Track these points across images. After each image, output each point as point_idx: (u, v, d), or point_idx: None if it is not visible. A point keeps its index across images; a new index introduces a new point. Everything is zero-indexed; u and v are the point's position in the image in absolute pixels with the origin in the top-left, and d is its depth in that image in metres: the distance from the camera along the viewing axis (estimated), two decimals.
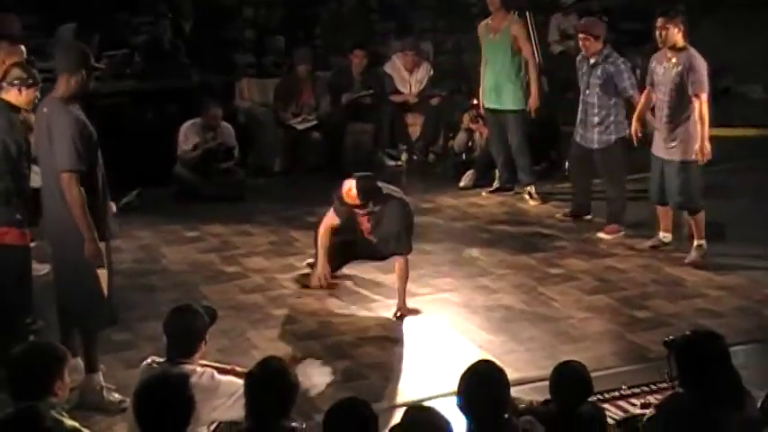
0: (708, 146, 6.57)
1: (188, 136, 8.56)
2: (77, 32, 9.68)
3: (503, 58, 8.15)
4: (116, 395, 4.89)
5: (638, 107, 7.02)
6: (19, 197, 4.89)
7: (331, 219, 6.21)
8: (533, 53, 8.20)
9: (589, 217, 7.74)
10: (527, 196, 8.30)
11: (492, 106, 8.33)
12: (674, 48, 6.58)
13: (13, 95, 4.93)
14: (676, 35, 6.56)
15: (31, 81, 4.94)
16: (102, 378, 4.92)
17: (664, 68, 6.65)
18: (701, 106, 6.51)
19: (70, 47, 5.31)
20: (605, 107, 7.33)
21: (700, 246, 6.77)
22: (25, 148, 4.96)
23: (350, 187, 5.90)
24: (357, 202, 5.92)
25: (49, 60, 8.66)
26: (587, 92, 7.41)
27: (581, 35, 7.46)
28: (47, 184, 4.84)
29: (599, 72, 7.32)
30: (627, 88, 7.31)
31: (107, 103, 9.04)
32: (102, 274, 4.85)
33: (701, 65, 6.57)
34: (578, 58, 7.62)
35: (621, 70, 7.31)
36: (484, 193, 8.55)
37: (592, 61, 7.37)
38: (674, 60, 6.59)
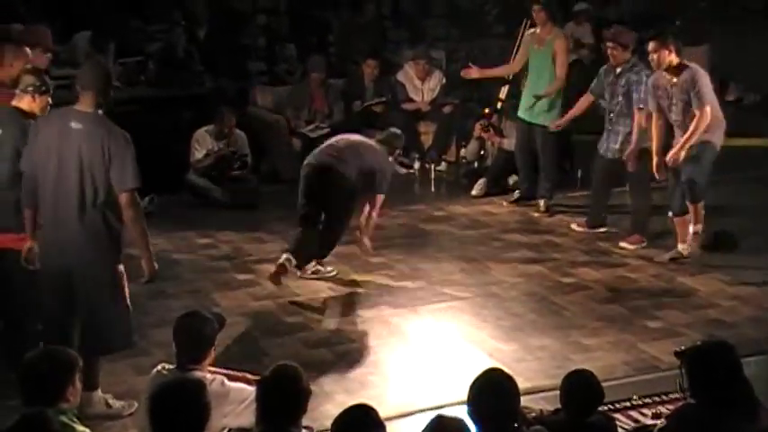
0: (682, 155, 6.60)
1: (201, 143, 8.60)
2: (92, 40, 9.74)
3: (542, 71, 8.12)
4: (118, 403, 4.90)
5: (654, 141, 6.89)
6: None
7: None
8: (565, 73, 8.09)
9: (604, 229, 7.71)
10: (539, 207, 8.29)
11: (524, 116, 8.30)
12: (669, 68, 6.64)
13: (27, 102, 4.96)
14: (668, 57, 6.62)
15: (44, 88, 4.97)
16: (100, 392, 4.89)
17: (667, 90, 6.70)
18: (699, 119, 6.55)
19: (99, 64, 5.20)
20: (628, 116, 7.30)
21: (696, 233, 6.86)
22: None
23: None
24: None
25: (63, 67, 8.75)
26: (613, 102, 7.40)
27: (609, 44, 7.44)
28: (71, 201, 4.64)
29: (623, 82, 7.32)
30: (639, 100, 7.25)
31: (121, 110, 9.06)
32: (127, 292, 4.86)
33: (703, 78, 6.60)
34: (604, 67, 7.61)
35: (642, 81, 7.22)
36: (505, 203, 8.51)
37: (618, 71, 7.34)
38: (674, 80, 6.64)
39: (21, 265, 4.88)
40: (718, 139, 6.78)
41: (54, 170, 4.65)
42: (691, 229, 6.86)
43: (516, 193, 8.57)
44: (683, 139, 6.64)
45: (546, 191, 8.31)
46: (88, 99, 4.71)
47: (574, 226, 7.84)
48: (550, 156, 8.25)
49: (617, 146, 7.40)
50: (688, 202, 6.82)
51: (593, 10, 12.02)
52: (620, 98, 7.33)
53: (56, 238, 4.69)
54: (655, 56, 6.66)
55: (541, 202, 8.29)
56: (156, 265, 4.87)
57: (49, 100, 5.00)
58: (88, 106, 4.70)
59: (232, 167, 8.59)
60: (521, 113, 8.34)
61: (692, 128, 6.58)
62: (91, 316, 4.73)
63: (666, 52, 6.61)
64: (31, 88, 4.96)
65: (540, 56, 8.14)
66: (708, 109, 6.57)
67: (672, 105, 6.72)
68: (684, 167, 6.72)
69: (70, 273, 4.69)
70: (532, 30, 8.25)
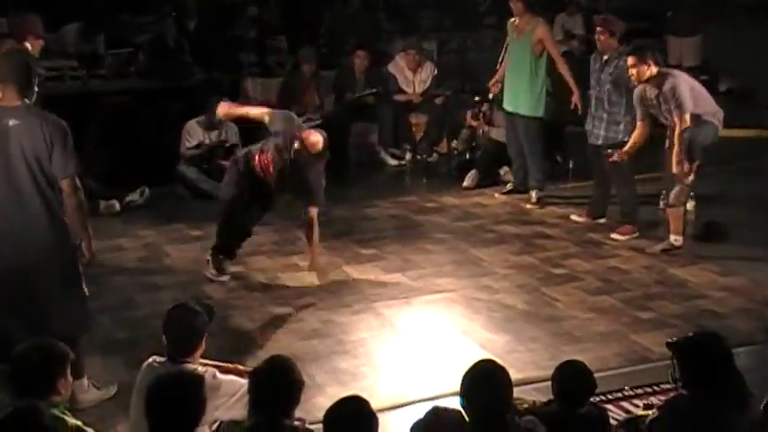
0: (686, 167, 6.67)
1: (192, 134, 8.57)
2: (81, 31, 9.71)
3: (522, 60, 8.08)
4: (102, 389, 4.93)
5: (633, 142, 6.99)
6: None
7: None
8: (560, 54, 8.11)
9: (603, 220, 7.69)
10: (531, 199, 8.26)
11: (508, 108, 8.28)
12: (650, 80, 6.74)
13: None
14: (647, 71, 6.72)
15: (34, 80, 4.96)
16: (86, 379, 4.90)
17: (653, 99, 6.80)
18: (681, 126, 6.64)
19: (15, 55, 5.03)
20: (615, 104, 7.34)
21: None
22: None
23: (318, 140, 6.22)
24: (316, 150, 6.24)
25: (52, 59, 8.72)
26: (598, 88, 7.43)
27: (598, 29, 7.47)
28: (25, 194, 4.59)
29: (611, 69, 7.33)
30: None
31: (111, 102, 9.08)
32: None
33: (680, 85, 6.68)
34: (593, 55, 7.63)
35: None
36: (497, 195, 8.50)
37: (605, 57, 7.38)
38: (656, 91, 6.76)
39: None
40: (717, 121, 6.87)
41: (1, 170, 4.58)
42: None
43: (509, 185, 8.57)
44: (675, 155, 6.69)
45: (536, 182, 8.29)
46: (12, 92, 4.61)
47: (574, 217, 7.83)
48: (535, 145, 8.22)
49: (601, 132, 7.43)
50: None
51: (585, 1, 12.02)
52: (609, 85, 7.34)
53: (13, 234, 4.62)
54: (634, 71, 6.77)
55: (533, 194, 8.28)
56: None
57: (36, 89, 4.99)
58: (15, 100, 4.61)
59: (219, 156, 8.55)
60: (504, 105, 8.32)
61: (676, 138, 6.67)
62: (57, 303, 4.71)
63: (645, 67, 6.73)
64: None
65: (520, 46, 8.11)
66: (687, 116, 6.65)
67: (665, 112, 6.82)
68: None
69: (33, 263, 4.64)
70: (513, 20, 8.22)
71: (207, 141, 8.56)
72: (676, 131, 6.70)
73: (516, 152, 8.39)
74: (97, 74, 9.38)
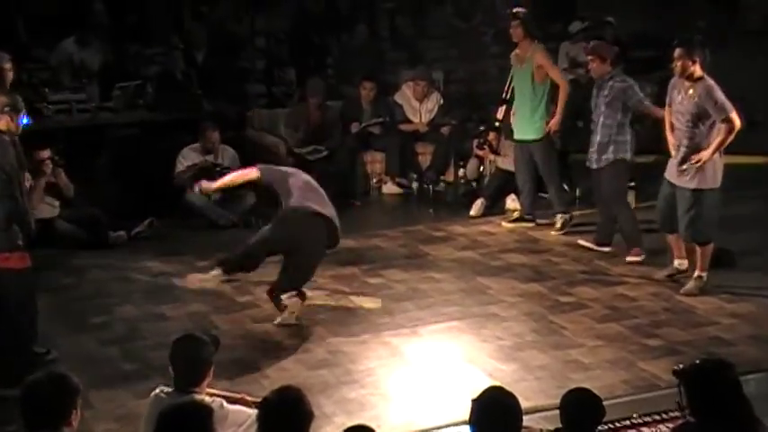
0: (717, 158, 6.58)
1: (186, 158, 8.57)
2: (77, 40, 9.82)
3: (526, 88, 8.15)
4: None
5: (668, 134, 6.89)
6: (19, 222, 4.92)
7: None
8: (562, 77, 8.20)
9: (608, 249, 7.70)
10: (556, 225, 8.25)
11: (518, 137, 8.33)
12: (690, 78, 6.60)
13: (4, 123, 5.05)
14: (692, 66, 6.57)
15: (19, 106, 5.10)
16: None
17: (681, 98, 6.67)
18: (730, 128, 6.50)
19: None
20: (610, 126, 7.38)
21: (699, 277, 6.76)
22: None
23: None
24: None
25: (61, 92, 8.82)
26: (596, 112, 7.49)
27: (589, 57, 7.55)
28: None
29: (606, 91, 7.40)
30: (642, 100, 7.38)
31: (120, 134, 9.14)
32: None
33: (719, 92, 6.56)
34: (596, 84, 7.68)
35: (630, 85, 7.37)
36: (504, 223, 8.49)
37: (599, 82, 7.46)
38: (690, 91, 6.60)
39: (13, 284, 4.89)
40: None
41: None
42: (695, 273, 6.79)
43: (515, 214, 8.58)
44: (714, 145, 6.51)
45: (558, 204, 8.28)
46: None
47: (581, 241, 7.83)
48: (550, 168, 8.25)
49: (594, 155, 7.48)
50: (696, 246, 6.81)
51: (590, 30, 12.05)
52: (603, 108, 7.39)
53: None
54: (678, 63, 6.59)
55: (558, 219, 8.25)
56: None
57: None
58: None
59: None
60: (514, 134, 8.36)
61: (722, 136, 6.51)
62: None
63: (690, 62, 6.56)
64: (8, 108, 5.05)
65: (522, 74, 8.19)
66: (733, 115, 6.51)
67: (679, 114, 6.70)
68: (684, 218, 6.69)
69: None
70: (515, 51, 8.28)
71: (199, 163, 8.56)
72: (722, 134, 6.48)
73: (524, 180, 8.42)
74: (106, 106, 9.44)
